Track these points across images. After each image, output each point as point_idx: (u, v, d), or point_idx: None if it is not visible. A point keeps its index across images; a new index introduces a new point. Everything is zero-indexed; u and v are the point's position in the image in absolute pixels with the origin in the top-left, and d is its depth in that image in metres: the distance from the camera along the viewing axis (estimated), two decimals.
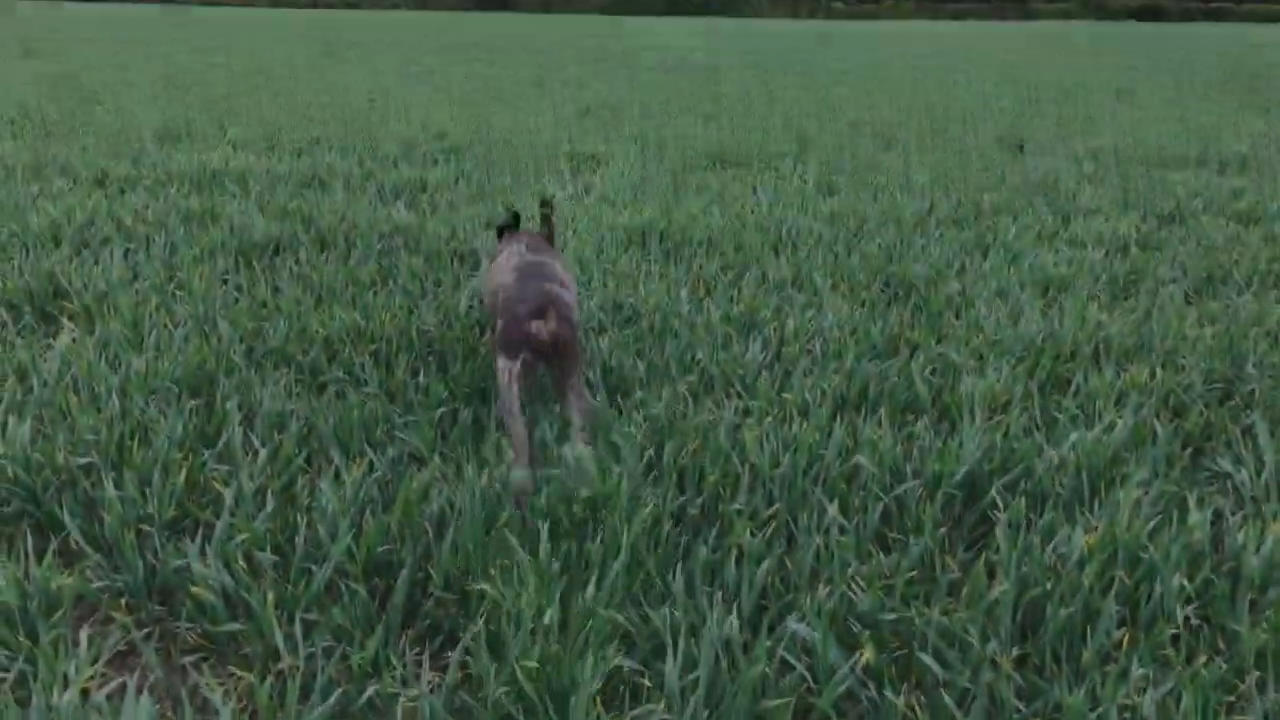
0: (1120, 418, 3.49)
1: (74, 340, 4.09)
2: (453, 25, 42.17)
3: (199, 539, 2.59)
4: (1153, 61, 24.34)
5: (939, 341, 4.29)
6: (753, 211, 6.62)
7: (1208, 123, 12.26)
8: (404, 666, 2.27)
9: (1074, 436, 3.25)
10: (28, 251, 5.28)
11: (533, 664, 2.11)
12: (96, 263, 5.14)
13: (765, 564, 2.49)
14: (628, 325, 4.43)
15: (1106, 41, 36.23)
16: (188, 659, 2.31)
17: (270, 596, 2.32)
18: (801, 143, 10.05)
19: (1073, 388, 3.79)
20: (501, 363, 2.97)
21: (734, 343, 4.17)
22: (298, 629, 2.28)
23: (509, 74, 17.78)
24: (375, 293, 4.73)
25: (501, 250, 3.73)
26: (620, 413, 3.47)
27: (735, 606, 2.37)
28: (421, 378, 3.73)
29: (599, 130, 10.62)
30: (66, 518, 2.70)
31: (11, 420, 3.17)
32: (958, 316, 4.62)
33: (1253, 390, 3.81)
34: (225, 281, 4.93)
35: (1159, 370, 3.88)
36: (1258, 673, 2.26)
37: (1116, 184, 8.03)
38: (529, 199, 6.97)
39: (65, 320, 4.38)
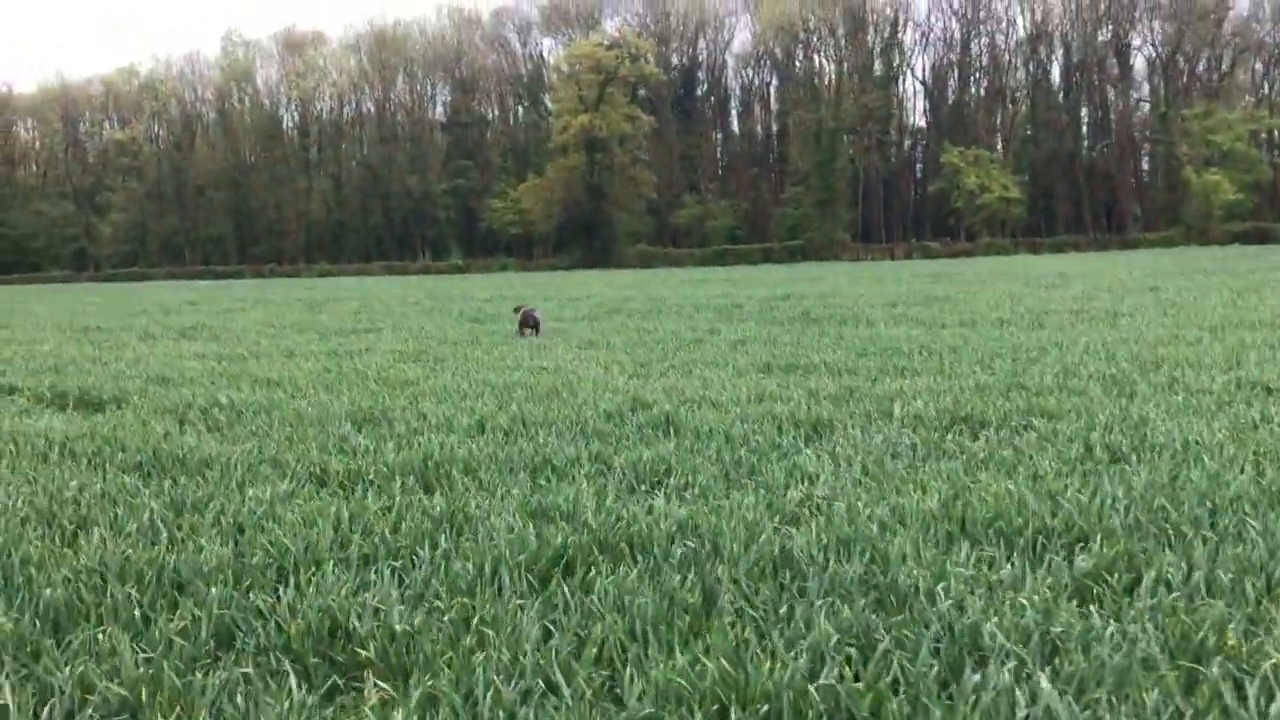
0: None
1: (393, 712, 3.36)
2: (570, 284, 43.24)
3: None
4: None
5: None
6: (1065, 488, 5.77)
7: None
8: None
9: None
10: (287, 578, 4.66)
11: None
12: (365, 589, 4.48)
13: None
14: (1053, 658, 3.55)
15: (1235, 265, 35.48)
16: None
17: None
18: (1026, 395, 9.27)
19: None
20: (522, 330, 16.73)
21: (1200, 686, 3.25)
22: None
23: (663, 329, 17.53)
24: (708, 624, 3.95)
25: (521, 309, 17.62)
26: None
27: None
28: None
29: (798, 389, 10.00)
30: None
31: None
32: None
33: None
34: (522, 608, 4.21)
35: None
36: None
37: None
38: (784, 482, 6.27)
39: (369, 676, 3.66)
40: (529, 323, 16.76)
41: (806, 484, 6.20)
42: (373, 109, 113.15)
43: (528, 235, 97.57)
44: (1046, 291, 25.23)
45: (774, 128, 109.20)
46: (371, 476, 6.75)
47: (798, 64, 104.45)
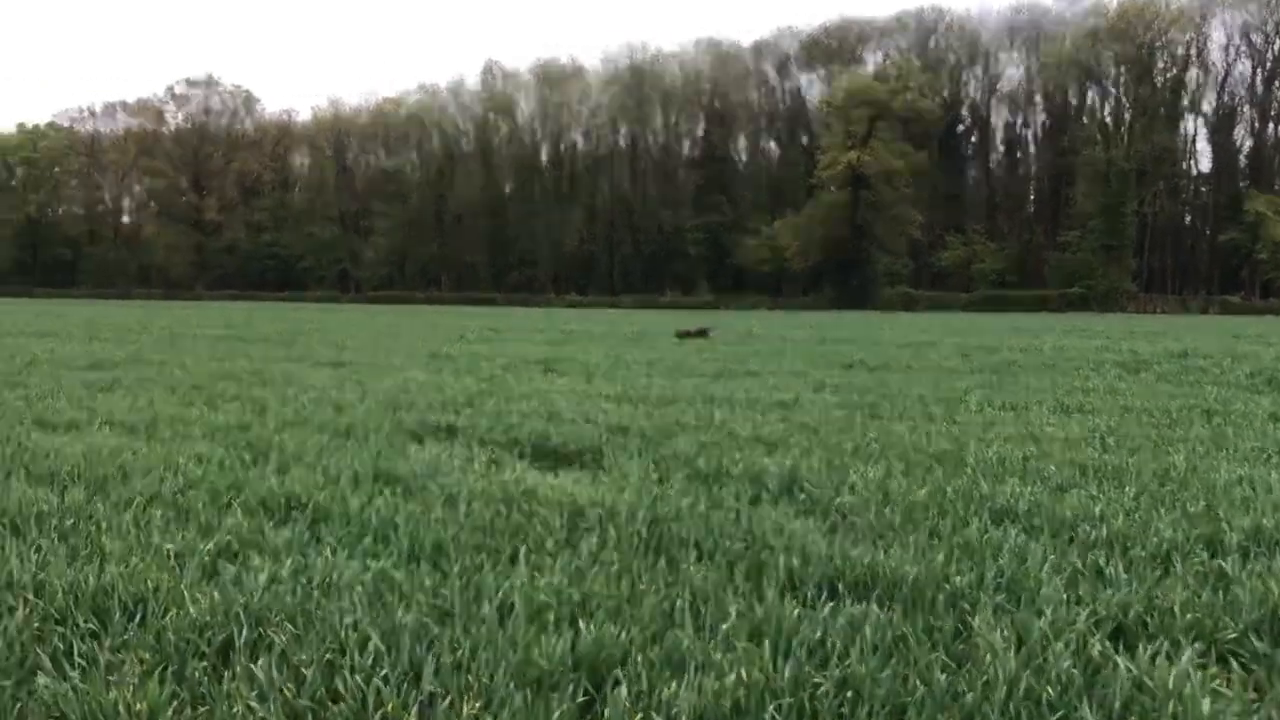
0: None
1: None
2: (896, 329, 40.17)
3: None
4: None
5: None
6: None
7: None
8: None
9: None
10: None
11: None
12: None
13: None
14: None
15: None
16: None
17: None
18: None
19: None
20: (694, 334, 28.67)
21: None
22: None
23: (1133, 395, 14.23)
24: None
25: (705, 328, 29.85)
26: None
27: None
28: None
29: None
30: None
31: None
32: None
33: None
34: None
35: None
36: None
37: None
38: None
39: None
40: (703, 333, 28.44)
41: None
42: (624, 142, 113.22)
43: (779, 273, 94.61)
44: None
45: (1034, 167, 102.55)
46: None
47: (1072, 102, 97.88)
